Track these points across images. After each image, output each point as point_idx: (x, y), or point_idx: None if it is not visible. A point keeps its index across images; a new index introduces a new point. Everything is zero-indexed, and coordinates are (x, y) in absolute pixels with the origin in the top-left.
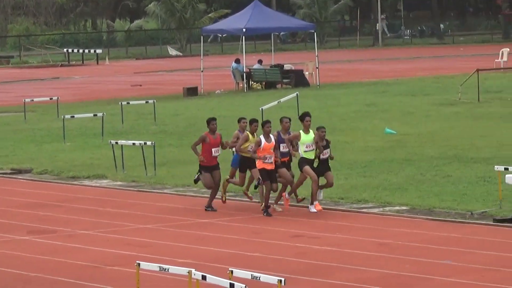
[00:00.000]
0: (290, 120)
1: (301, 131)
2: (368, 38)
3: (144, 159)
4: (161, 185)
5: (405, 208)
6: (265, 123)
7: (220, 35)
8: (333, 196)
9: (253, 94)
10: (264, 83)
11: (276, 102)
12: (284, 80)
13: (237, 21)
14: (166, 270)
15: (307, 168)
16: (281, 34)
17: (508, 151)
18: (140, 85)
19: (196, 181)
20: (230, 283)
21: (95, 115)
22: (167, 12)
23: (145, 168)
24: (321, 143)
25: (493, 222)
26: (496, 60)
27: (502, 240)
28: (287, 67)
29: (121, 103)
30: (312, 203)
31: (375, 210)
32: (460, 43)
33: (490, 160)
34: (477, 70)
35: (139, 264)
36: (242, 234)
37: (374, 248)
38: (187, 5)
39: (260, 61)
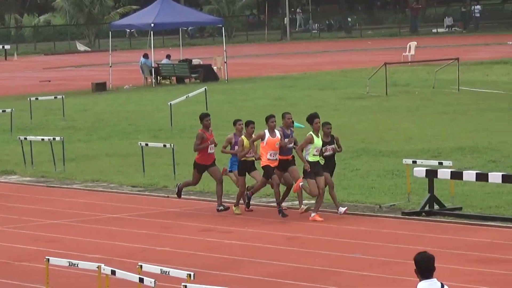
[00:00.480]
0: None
1: (312, 133)
2: (276, 32)
3: (53, 155)
4: (70, 181)
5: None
6: (269, 118)
7: (129, 30)
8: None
9: (162, 89)
10: (172, 78)
11: (184, 97)
12: (193, 75)
13: (145, 16)
14: (76, 265)
15: (310, 182)
16: (189, 29)
17: (415, 144)
18: (49, 81)
19: (179, 191)
20: (140, 278)
21: (3, 111)
22: (75, 7)
23: (54, 164)
24: (326, 139)
25: (402, 215)
26: (403, 53)
27: (411, 233)
28: (195, 62)
29: (30, 98)
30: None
31: (284, 204)
32: (368, 36)
33: (398, 153)
34: (385, 64)
35: (48, 259)
36: (152, 228)
37: (284, 242)
38: (95, 1)
39: (168, 56)
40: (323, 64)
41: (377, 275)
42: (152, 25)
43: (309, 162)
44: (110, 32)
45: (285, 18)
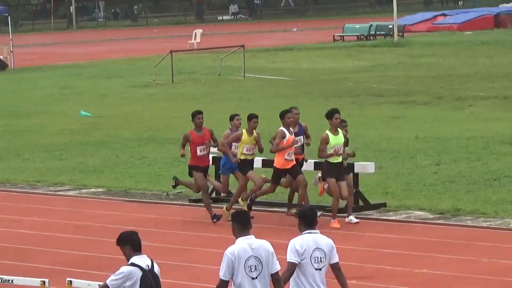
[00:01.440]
0: None
1: (328, 132)
2: (63, 21)
3: None
4: None
5: (101, 190)
6: (285, 113)
7: None
8: (30, 179)
9: None
10: None
11: None
12: None
13: None
14: None
15: (331, 182)
16: None
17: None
18: None
19: (175, 187)
20: None
21: None
22: None
23: None
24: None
25: (189, 202)
26: (189, 41)
27: (198, 220)
28: None
29: None
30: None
31: (72, 193)
32: (153, 25)
33: None
34: (171, 52)
35: None
36: None
37: (72, 230)
38: None
39: None
40: (110, 53)
41: (165, 262)
42: None
43: (329, 164)
44: None
45: (71, 7)
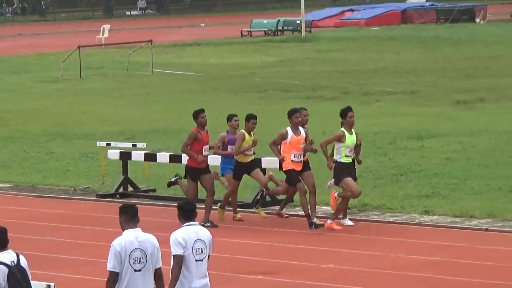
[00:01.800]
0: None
1: (344, 130)
2: None
3: None
4: None
5: (8, 185)
6: (293, 113)
7: None
8: None
9: None
10: None
11: None
12: None
13: None
14: None
15: (349, 181)
16: None
17: (110, 126)
18: None
19: (170, 185)
20: None
21: None
22: None
23: None
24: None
25: (96, 197)
26: (97, 36)
27: (106, 215)
28: None
29: None
30: (344, 217)
31: None
32: (62, 20)
33: (92, 136)
34: (79, 47)
35: None
36: None
37: None
38: None
39: None
40: (18, 48)
41: (73, 257)
42: None
43: (342, 164)
44: None
45: None
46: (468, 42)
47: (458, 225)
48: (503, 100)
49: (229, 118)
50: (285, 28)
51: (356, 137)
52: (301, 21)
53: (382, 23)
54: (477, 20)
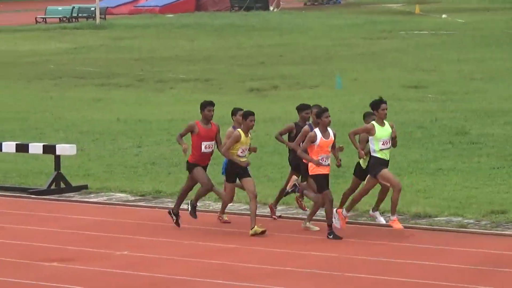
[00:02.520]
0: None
1: (374, 123)
2: None
3: None
4: None
5: None
6: (323, 112)
7: None
8: None
9: None
10: None
11: None
12: None
13: None
14: None
15: (385, 172)
16: None
17: None
18: None
19: (193, 210)
20: None
21: None
22: None
23: None
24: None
25: None
26: None
27: None
28: None
29: None
30: (393, 214)
31: None
32: None
33: None
34: None
35: None
36: None
37: None
38: None
39: None
40: None
41: None
42: None
43: (377, 159)
44: None
45: None
46: (262, 30)
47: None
48: (296, 87)
49: (234, 113)
50: (79, 15)
51: (392, 129)
52: (95, 8)
53: (177, 10)
54: (271, 8)
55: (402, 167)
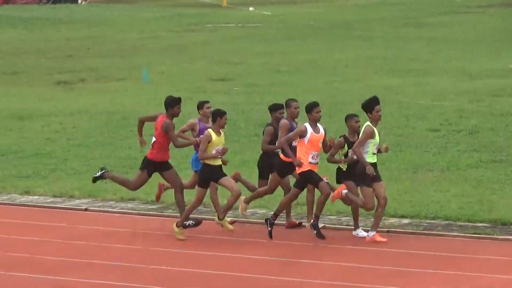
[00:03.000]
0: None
1: (370, 125)
2: None
3: None
4: None
5: None
6: (314, 107)
7: None
8: None
9: None
10: None
11: None
12: None
13: None
14: None
15: (369, 192)
16: None
17: None
18: None
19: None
20: None
21: None
22: None
23: None
24: (353, 138)
25: None
26: None
27: None
28: None
29: None
30: (373, 230)
31: None
32: None
33: None
34: None
35: None
36: None
37: None
38: None
39: None
40: None
41: None
42: None
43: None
44: None
45: None
46: (69, 23)
47: (58, 205)
48: (103, 80)
49: (201, 105)
50: None
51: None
52: None
53: None
54: (79, 1)
55: None
